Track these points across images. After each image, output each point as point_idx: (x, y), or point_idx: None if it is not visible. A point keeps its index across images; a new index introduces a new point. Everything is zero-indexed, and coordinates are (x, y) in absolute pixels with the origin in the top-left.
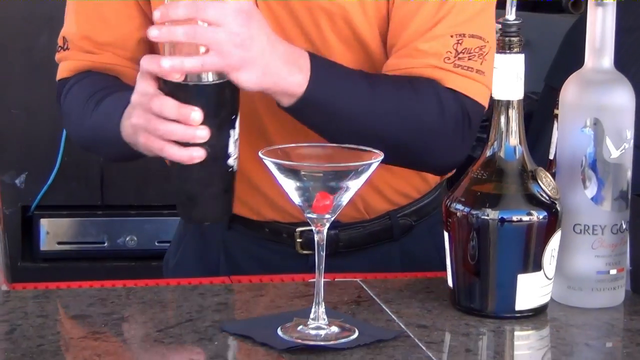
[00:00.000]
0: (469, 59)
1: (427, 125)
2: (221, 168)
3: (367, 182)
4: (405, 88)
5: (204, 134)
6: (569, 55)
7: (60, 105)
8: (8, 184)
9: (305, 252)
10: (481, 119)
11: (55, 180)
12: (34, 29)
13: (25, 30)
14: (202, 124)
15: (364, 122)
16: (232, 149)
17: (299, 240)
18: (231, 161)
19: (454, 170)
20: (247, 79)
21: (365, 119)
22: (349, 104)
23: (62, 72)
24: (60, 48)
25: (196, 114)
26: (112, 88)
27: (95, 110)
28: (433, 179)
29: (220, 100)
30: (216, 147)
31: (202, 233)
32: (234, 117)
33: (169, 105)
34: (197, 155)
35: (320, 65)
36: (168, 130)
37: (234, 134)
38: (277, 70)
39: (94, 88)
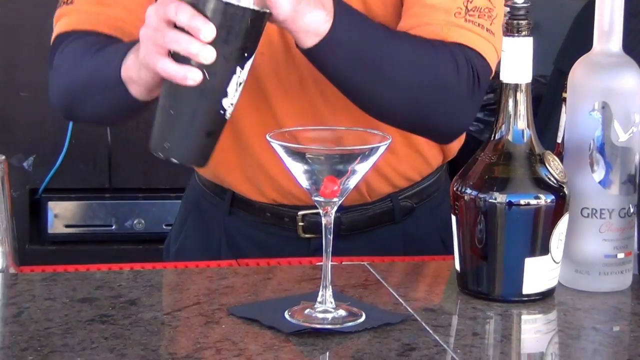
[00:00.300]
0: (479, 17)
1: (443, 82)
2: (213, 105)
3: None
4: (423, 43)
5: (209, 53)
6: (578, 38)
7: (51, 63)
8: (16, 167)
9: (307, 235)
10: (488, 82)
11: (63, 163)
12: (42, 11)
13: (33, 12)
14: (212, 45)
15: (385, 70)
16: (232, 90)
17: (301, 224)
18: (226, 103)
19: (455, 153)
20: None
21: (387, 66)
22: (372, 48)
23: (63, 26)
24: (62, 3)
25: (209, 28)
26: (117, 41)
27: (95, 54)
28: (435, 161)
29: (238, 26)
30: (216, 79)
31: (204, 219)
32: (247, 55)
33: (185, 10)
34: (193, 76)
35: (343, 7)
36: (173, 38)
37: (241, 75)
38: (306, 1)
39: (96, 39)
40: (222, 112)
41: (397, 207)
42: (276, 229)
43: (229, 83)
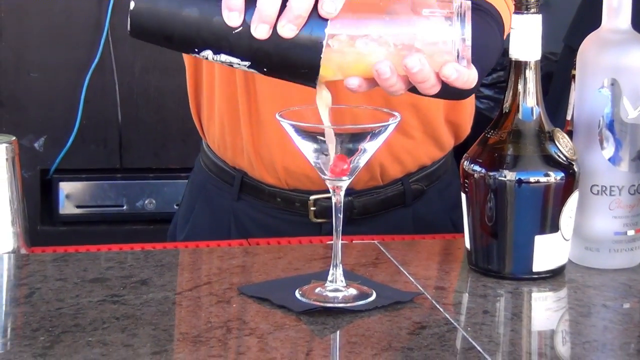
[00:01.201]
0: None
1: (497, 57)
2: (201, 39)
3: (387, 149)
4: (489, 18)
5: (262, 32)
6: (588, 15)
7: None
8: (27, 148)
9: (319, 220)
10: None
11: (74, 143)
12: None
13: None
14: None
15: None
16: (221, 58)
17: (312, 208)
18: (205, 53)
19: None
20: None
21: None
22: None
23: None
24: None
25: (294, 26)
26: None
27: None
28: (448, 146)
29: (302, 55)
30: (231, 40)
31: (212, 206)
32: (265, 70)
33: None
34: (232, 17)
35: None
36: None
37: (240, 66)
38: None
39: None
40: (195, 50)
41: (408, 190)
42: (287, 214)
43: (230, 55)
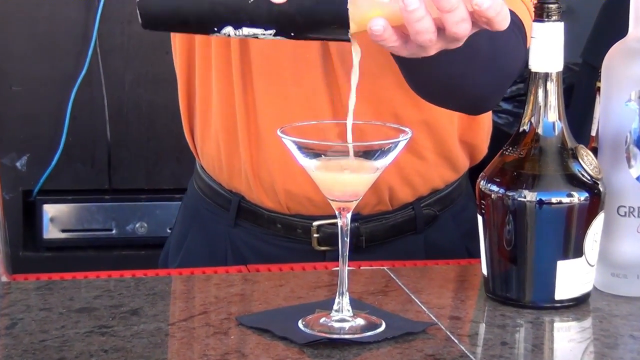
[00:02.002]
0: None
1: (520, 67)
2: (222, 14)
3: (396, 170)
4: (516, 27)
5: None
6: (607, 28)
7: None
8: (8, 167)
9: (322, 248)
10: None
11: (59, 162)
12: (36, 1)
13: (26, 2)
14: None
15: (499, 62)
16: (244, 32)
17: (315, 235)
18: (227, 30)
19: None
20: None
21: (500, 59)
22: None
23: None
24: None
25: None
26: None
27: None
28: (463, 168)
29: (323, 8)
30: (249, 8)
31: (207, 232)
32: (292, 34)
33: None
34: None
35: None
36: None
37: (265, 34)
38: None
39: None
40: (214, 29)
41: (419, 216)
42: (288, 242)
43: (252, 26)
